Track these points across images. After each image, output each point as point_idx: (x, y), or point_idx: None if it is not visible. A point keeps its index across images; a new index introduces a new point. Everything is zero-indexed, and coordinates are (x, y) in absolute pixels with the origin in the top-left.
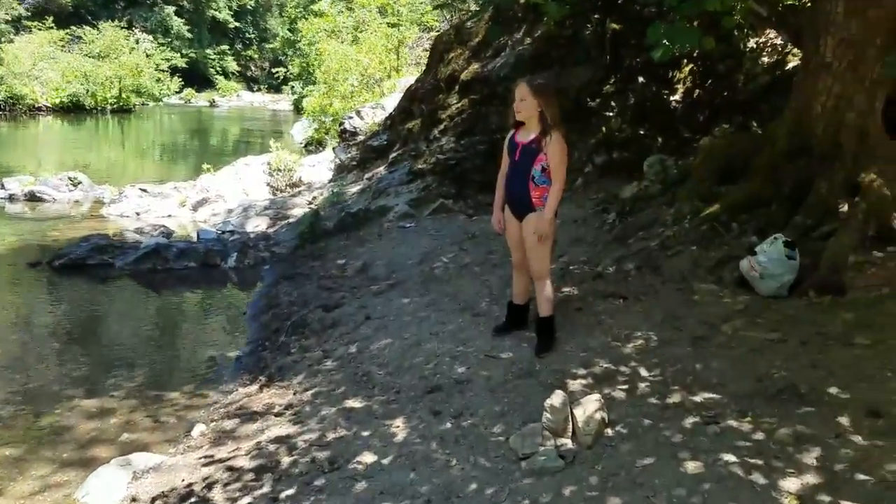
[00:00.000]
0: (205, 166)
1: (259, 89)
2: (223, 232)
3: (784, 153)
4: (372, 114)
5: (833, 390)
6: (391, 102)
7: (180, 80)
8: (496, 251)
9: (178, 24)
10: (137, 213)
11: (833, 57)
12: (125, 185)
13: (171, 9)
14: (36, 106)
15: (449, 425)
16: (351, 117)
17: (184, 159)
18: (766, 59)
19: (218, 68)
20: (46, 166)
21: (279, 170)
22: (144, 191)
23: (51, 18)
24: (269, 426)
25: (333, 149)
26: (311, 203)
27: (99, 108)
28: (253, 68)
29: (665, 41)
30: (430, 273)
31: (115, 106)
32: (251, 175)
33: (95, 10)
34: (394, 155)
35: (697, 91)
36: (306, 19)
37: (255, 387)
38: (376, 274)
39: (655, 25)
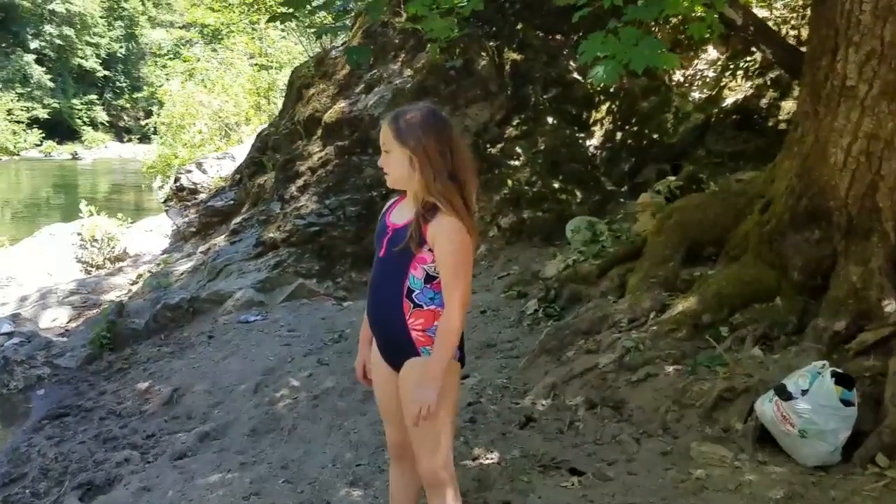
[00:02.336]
0: None
1: (130, 140)
2: None
3: (786, 221)
4: (217, 166)
5: None
6: (244, 151)
7: (41, 132)
8: None
9: (38, 72)
10: None
11: (859, 78)
12: None
13: (30, 57)
14: None
15: None
16: (189, 171)
17: (47, 217)
18: (696, 95)
19: (85, 119)
20: None
21: (95, 240)
22: None
23: None
24: None
25: (166, 211)
26: (134, 283)
27: None
28: (126, 118)
29: (609, 57)
30: (268, 412)
31: None
32: (58, 248)
33: None
34: (238, 220)
35: (619, 134)
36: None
37: None
38: (190, 410)
39: (594, 37)
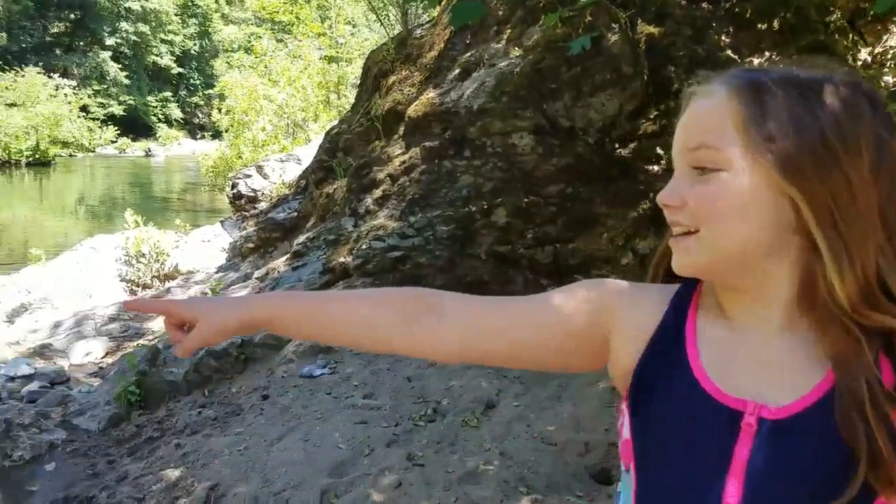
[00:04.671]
0: (33, 251)
1: (203, 137)
2: (11, 378)
3: None
4: (280, 169)
5: None
6: (311, 152)
7: (116, 129)
8: (491, 460)
9: (114, 69)
10: None
11: None
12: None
13: (106, 54)
14: None
15: None
16: (249, 175)
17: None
18: (890, 79)
19: (160, 116)
20: None
21: (141, 255)
22: None
23: None
24: None
25: (221, 222)
26: None
27: (13, 162)
28: (200, 115)
29: None
30: None
31: (30, 159)
32: (99, 265)
33: (20, 55)
34: (301, 239)
35: None
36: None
37: None
38: None
39: None
